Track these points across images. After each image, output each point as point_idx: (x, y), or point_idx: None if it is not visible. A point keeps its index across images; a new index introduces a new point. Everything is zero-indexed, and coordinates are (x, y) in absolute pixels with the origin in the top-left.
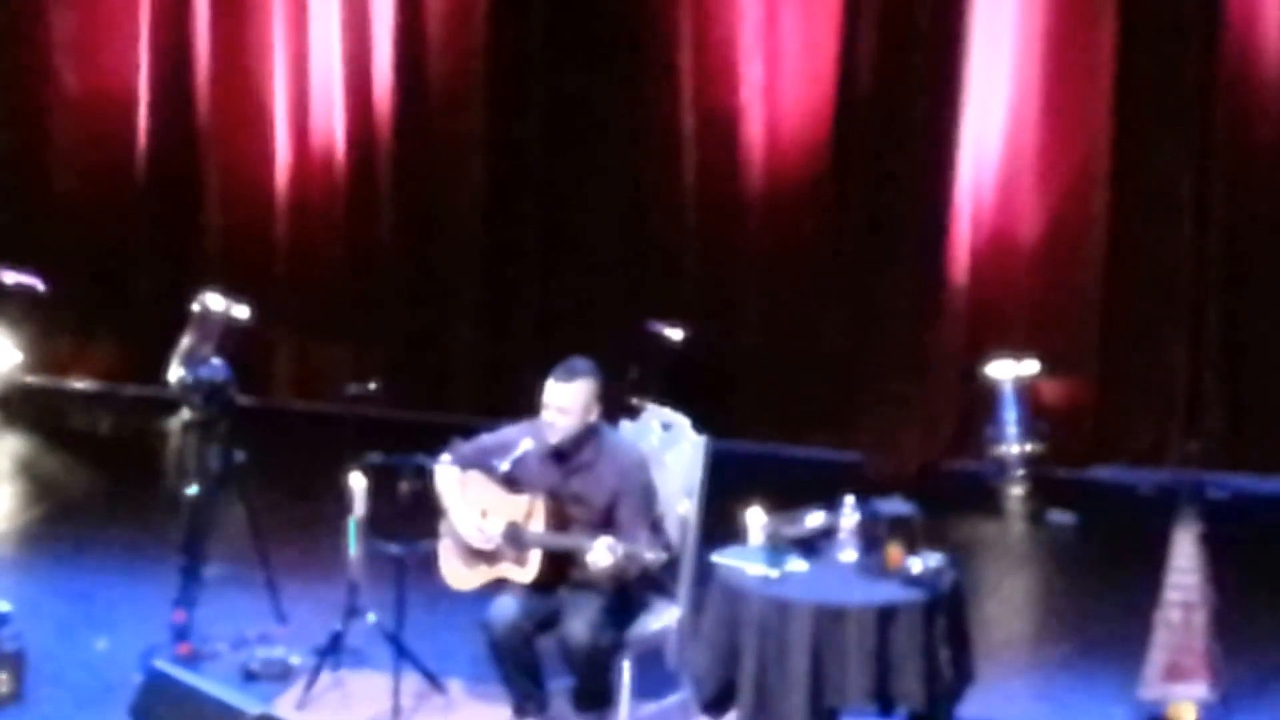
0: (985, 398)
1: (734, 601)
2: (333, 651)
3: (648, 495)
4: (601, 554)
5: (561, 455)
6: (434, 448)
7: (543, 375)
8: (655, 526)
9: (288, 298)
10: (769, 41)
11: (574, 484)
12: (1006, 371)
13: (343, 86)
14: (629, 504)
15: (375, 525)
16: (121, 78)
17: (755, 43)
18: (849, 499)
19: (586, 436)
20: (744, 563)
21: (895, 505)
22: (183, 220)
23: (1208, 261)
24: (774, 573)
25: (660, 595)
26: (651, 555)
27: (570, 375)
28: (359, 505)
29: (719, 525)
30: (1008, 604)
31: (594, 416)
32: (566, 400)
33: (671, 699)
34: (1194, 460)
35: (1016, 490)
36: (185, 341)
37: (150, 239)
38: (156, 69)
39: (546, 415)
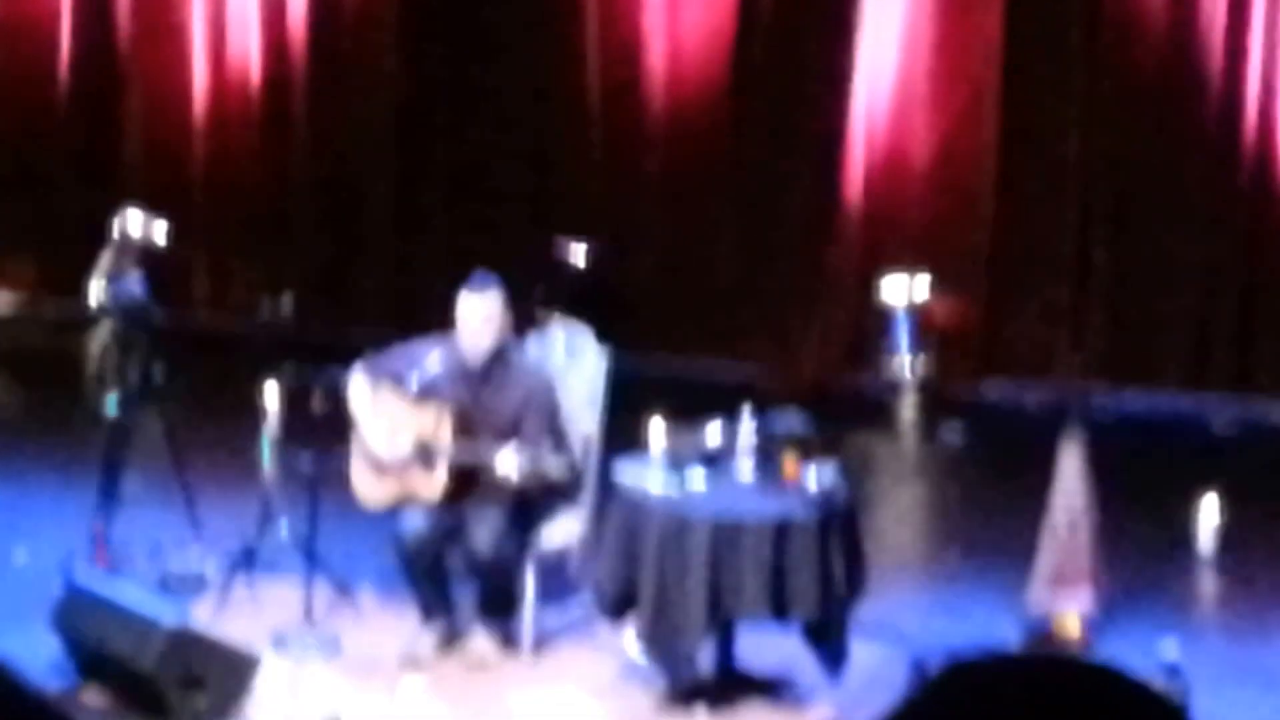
0: (878, 315)
1: (635, 514)
2: (246, 562)
3: (552, 412)
4: (509, 461)
5: (472, 372)
6: (346, 363)
7: (451, 291)
8: (559, 443)
9: (205, 217)
10: None
11: (483, 400)
12: (899, 289)
13: (259, 12)
14: (534, 420)
15: (289, 438)
16: (43, 1)
17: None
18: (746, 410)
19: (499, 354)
20: (645, 476)
21: (790, 420)
22: (103, 142)
23: (1094, 181)
24: (674, 487)
25: (564, 501)
26: (555, 462)
27: (485, 285)
28: (273, 419)
29: (621, 437)
30: (899, 517)
31: (507, 330)
32: (489, 309)
33: (574, 607)
34: (1078, 372)
35: (908, 405)
36: (105, 260)
37: (71, 160)
38: None
39: (470, 330)
